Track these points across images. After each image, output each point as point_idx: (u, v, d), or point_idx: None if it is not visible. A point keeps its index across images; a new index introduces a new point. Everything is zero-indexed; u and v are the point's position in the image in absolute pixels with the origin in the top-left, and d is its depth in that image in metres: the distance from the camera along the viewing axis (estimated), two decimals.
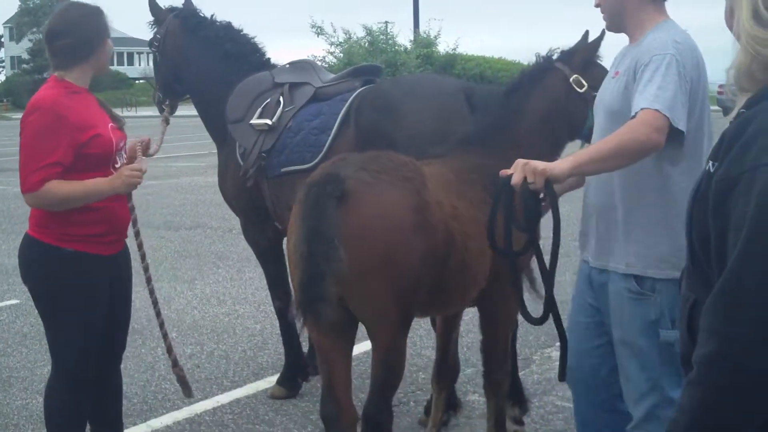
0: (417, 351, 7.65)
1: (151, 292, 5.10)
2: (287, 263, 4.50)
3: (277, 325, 6.95)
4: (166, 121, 6.98)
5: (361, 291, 4.16)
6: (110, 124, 4.81)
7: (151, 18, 7.16)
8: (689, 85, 3.87)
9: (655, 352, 3.98)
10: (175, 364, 5.25)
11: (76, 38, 4.69)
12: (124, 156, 4.89)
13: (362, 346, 7.80)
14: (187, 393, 5.30)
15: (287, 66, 6.81)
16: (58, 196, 4.55)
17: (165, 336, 5.21)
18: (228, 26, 7.03)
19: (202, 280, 10.64)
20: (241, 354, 7.76)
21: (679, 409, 2.30)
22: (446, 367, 5.60)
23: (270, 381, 6.93)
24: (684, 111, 3.82)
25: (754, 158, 2.18)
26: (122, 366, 5.10)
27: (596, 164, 3.85)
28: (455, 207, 4.44)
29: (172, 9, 7.14)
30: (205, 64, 6.90)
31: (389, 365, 4.35)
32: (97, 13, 4.77)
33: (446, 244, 4.36)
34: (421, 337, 8.00)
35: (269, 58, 7.08)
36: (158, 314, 5.17)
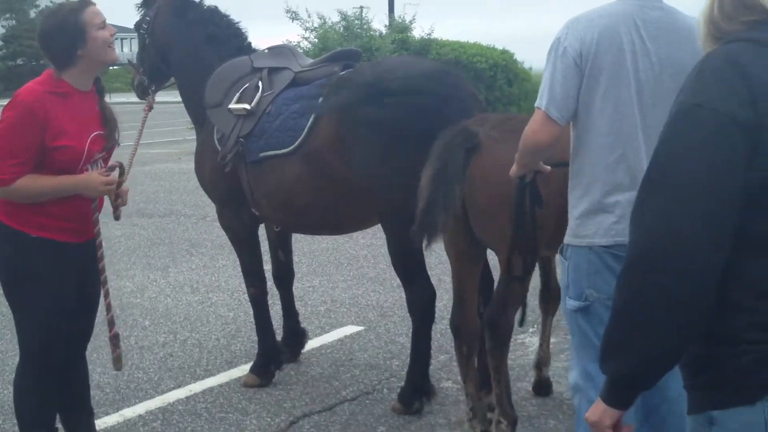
0: (391, 338, 7.64)
1: (103, 283, 5.00)
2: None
3: (251, 313, 6.91)
4: (150, 108, 6.95)
5: (485, 223, 4.97)
6: (94, 134, 4.77)
7: (139, 0, 7.13)
8: (582, 69, 3.79)
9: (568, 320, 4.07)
10: (113, 341, 5.10)
11: (58, 48, 4.68)
12: (101, 164, 4.84)
13: (336, 333, 7.82)
14: (117, 367, 5.17)
15: (266, 51, 6.76)
16: (28, 192, 4.57)
17: (109, 307, 5.06)
18: (214, 10, 7.01)
19: (175, 268, 10.58)
20: (215, 342, 7.72)
21: (610, 314, 2.38)
22: (548, 293, 6.29)
23: (243, 369, 6.89)
24: (561, 97, 3.80)
25: (674, 101, 2.35)
26: (94, 356, 5.07)
27: (518, 163, 4.14)
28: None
29: None
30: (189, 46, 6.86)
31: (509, 279, 4.98)
32: (74, 14, 4.69)
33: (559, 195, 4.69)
34: (395, 324, 7.99)
35: (250, 43, 7.04)
36: (106, 294, 5.03)
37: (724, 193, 2.20)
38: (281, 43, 7.29)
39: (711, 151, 2.21)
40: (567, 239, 3.98)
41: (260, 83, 6.36)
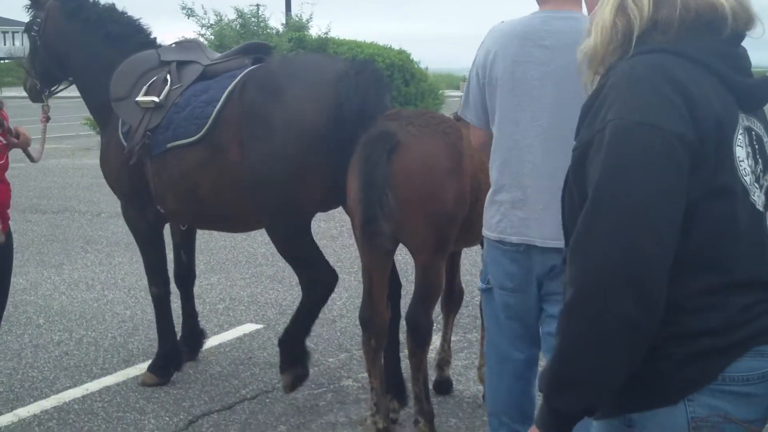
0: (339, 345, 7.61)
1: None
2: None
3: (148, 311, 6.84)
4: (47, 118, 6.83)
5: (407, 224, 5.06)
6: None
7: (28, 1, 6.97)
8: (481, 79, 4.06)
9: None
10: None
11: None
12: None
13: (235, 332, 7.78)
14: None
15: (173, 45, 6.68)
16: None
17: None
18: (111, 8, 6.88)
19: (69, 265, 10.41)
20: (111, 340, 7.61)
21: (548, 360, 2.33)
22: (452, 293, 6.34)
23: (141, 368, 6.81)
24: (473, 104, 4.13)
25: (602, 119, 2.25)
26: None
27: None
28: (483, 161, 4.83)
29: None
30: (87, 47, 6.73)
31: (428, 282, 5.21)
32: None
33: (474, 190, 5.13)
34: (343, 332, 7.96)
35: (155, 38, 6.95)
36: None
37: (675, 214, 2.19)
38: (190, 37, 7.22)
39: (661, 171, 2.17)
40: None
41: (168, 76, 6.28)
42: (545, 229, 3.80)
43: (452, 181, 5.10)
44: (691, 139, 2.19)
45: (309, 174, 5.56)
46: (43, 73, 6.96)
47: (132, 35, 6.78)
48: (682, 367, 2.27)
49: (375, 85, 5.68)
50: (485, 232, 4.10)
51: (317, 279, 5.87)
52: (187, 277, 7.06)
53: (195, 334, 7.08)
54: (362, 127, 5.30)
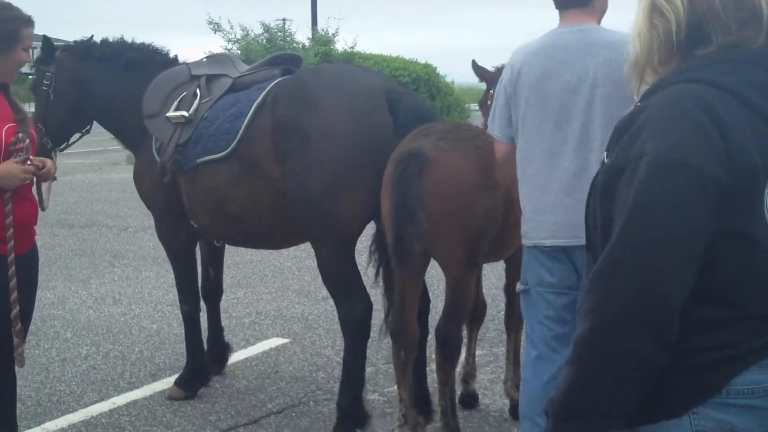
0: (316, 350, 7.62)
1: (13, 289, 4.89)
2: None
3: (175, 325, 6.86)
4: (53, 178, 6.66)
5: (438, 238, 5.09)
6: (8, 126, 4.73)
7: (39, 57, 6.89)
8: (509, 93, 4.47)
9: None
10: (17, 334, 4.99)
11: None
12: (21, 156, 4.80)
13: (261, 346, 7.79)
14: (19, 362, 5.08)
15: (204, 60, 6.67)
16: None
17: (15, 302, 4.95)
18: (121, 40, 6.88)
19: (97, 280, 10.45)
20: (138, 354, 7.64)
21: (557, 387, 2.32)
22: (476, 307, 6.15)
23: (167, 382, 6.83)
24: (498, 119, 4.56)
25: (639, 148, 2.22)
26: (16, 368, 4.98)
27: None
28: (514, 174, 4.99)
29: (60, 47, 6.96)
30: (109, 81, 6.71)
31: (458, 296, 5.26)
32: (17, 22, 4.73)
33: (506, 202, 5.19)
34: (320, 337, 7.98)
35: (176, 56, 6.96)
36: (14, 305, 4.93)
37: (699, 255, 2.18)
38: (222, 51, 7.22)
39: (693, 213, 2.16)
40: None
41: (198, 90, 6.27)
42: (580, 227, 3.88)
43: (484, 196, 5.12)
44: (726, 184, 2.18)
45: (351, 186, 5.50)
46: (56, 127, 6.84)
47: (152, 57, 6.77)
48: (687, 380, 2.26)
49: (409, 104, 5.70)
50: (523, 240, 4.50)
51: (352, 311, 5.66)
52: (215, 291, 7.07)
53: (220, 348, 7.09)
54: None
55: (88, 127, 7.06)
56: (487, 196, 5.13)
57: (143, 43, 6.88)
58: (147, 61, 6.74)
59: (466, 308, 5.38)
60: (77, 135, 7.07)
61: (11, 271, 4.80)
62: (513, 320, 6.16)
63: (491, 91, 5.92)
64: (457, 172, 5.11)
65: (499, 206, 5.18)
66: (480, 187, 5.12)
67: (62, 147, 6.99)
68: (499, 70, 6.01)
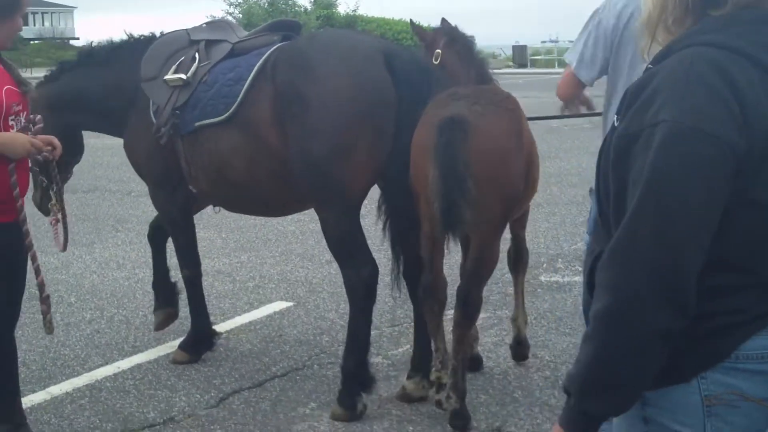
0: (320, 314, 7.63)
1: (33, 258, 4.92)
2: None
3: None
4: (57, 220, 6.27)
5: (480, 203, 5.02)
6: (6, 87, 4.71)
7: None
8: (604, 34, 4.58)
9: None
10: (44, 301, 5.02)
11: None
12: (22, 120, 4.79)
13: (265, 309, 7.80)
14: (48, 329, 5.10)
15: (203, 25, 6.63)
16: None
17: (38, 271, 4.97)
18: (85, 47, 6.86)
19: (100, 244, 10.46)
20: (142, 319, 7.65)
21: (576, 363, 2.31)
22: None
23: (172, 346, 6.83)
24: (588, 57, 4.69)
25: (654, 114, 2.18)
26: (20, 333, 4.99)
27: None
28: (532, 137, 5.37)
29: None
30: (87, 85, 6.63)
31: (485, 257, 5.33)
32: None
33: (527, 164, 5.36)
34: (324, 300, 7.98)
35: (152, 34, 6.85)
36: (38, 273, 4.94)
37: (715, 222, 2.15)
38: (221, 17, 7.19)
39: (710, 180, 2.12)
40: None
41: (197, 54, 6.23)
42: None
43: (518, 159, 5.25)
44: (742, 150, 2.14)
45: (353, 150, 5.46)
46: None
47: (130, 44, 6.71)
48: (696, 345, 2.25)
49: (423, 66, 5.68)
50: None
51: (358, 275, 5.61)
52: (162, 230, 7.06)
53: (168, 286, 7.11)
54: (414, 107, 5.32)
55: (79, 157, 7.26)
56: (519, 158, 5.26)
57: (108, 39, 6.89)
58: (126, 46, 6.68)
59: (490, 269, 5.44)
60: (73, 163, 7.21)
61: (28, 240, 4.82)
62: (519, 264, 6.37)
63: (437, 51, 5.91)
64: (497, 137, 5.17)
65: (524, 168, 5.30)
66: (515, 151, 5.24)
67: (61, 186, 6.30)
68: (438, 31, 6.11)
